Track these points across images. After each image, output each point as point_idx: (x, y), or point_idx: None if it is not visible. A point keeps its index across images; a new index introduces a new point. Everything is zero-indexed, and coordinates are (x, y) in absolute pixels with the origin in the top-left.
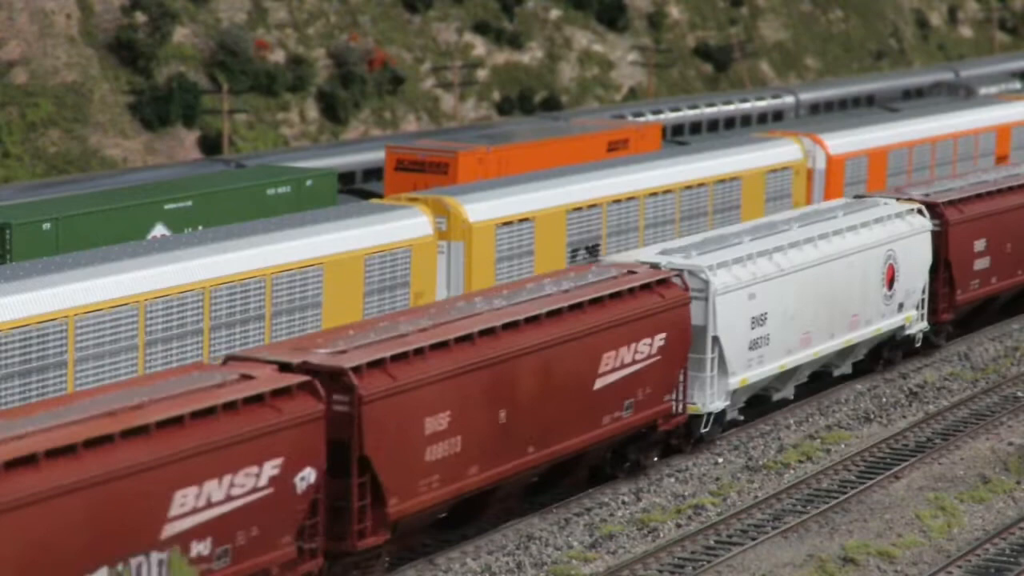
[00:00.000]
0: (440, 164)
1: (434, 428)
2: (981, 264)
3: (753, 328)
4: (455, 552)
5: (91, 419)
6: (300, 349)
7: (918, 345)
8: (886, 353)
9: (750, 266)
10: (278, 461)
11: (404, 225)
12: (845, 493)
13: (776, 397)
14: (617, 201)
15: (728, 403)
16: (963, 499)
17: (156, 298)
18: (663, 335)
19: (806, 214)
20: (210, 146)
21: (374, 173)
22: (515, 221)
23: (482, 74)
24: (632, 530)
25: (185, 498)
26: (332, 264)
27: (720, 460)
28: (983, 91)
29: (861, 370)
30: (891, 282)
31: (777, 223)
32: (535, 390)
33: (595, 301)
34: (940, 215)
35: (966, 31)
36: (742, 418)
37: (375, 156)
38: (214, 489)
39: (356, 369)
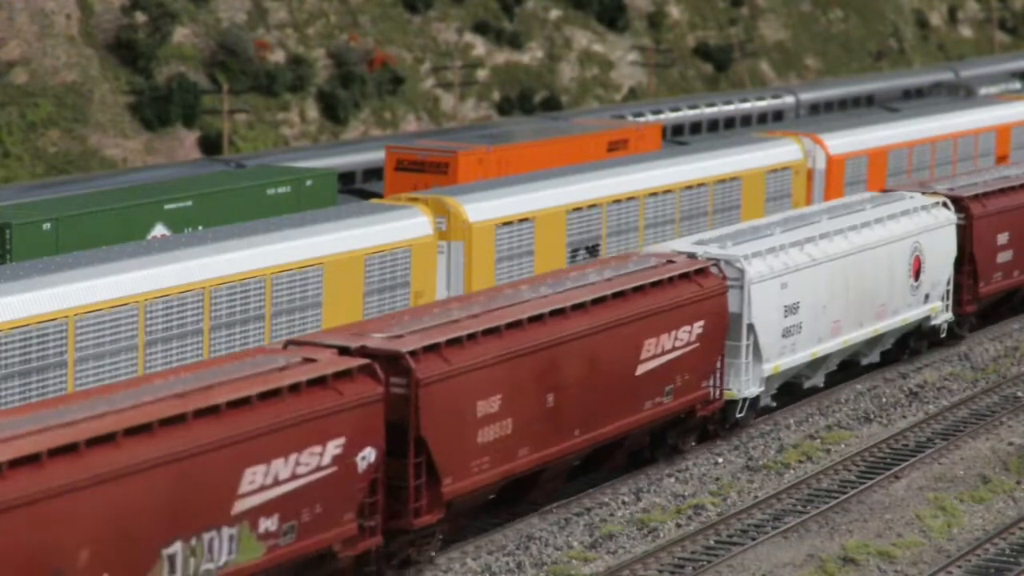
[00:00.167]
0: (440, 164)
1: (486, 411)
2: (1004, 257)
3: (786, 316)
4: (455, 552)
5: (164, 400)
6: (358, 334)
7: (943, 336)
8: (912, 343)
9: (783, 256)
10: (340, 441)
11: (404, 225)
12: (845, 493)
13: (807, 385)
14: (617, 201)
15: (762, 389)
16: (963, 499)
17: (156, 298)
18: (701, 323)
19: (834, 207)
20: (210, 146)
21: (374, 173)
22: (515, 221)
23: (482, 74)
24: (632, 530)
25: (254, 476)
26: (332, 264)
27: (720, 460)
28: (983, 91)
29: (888, 360)
30: (918, 273)
31: (807, 215)
32: (581, 375)
33: (637, 289)
34: (964, 209)
35: (966, 31)
36: (774, 404)
37: (375, 156)
38: (281, 467)
39: (413, 353)
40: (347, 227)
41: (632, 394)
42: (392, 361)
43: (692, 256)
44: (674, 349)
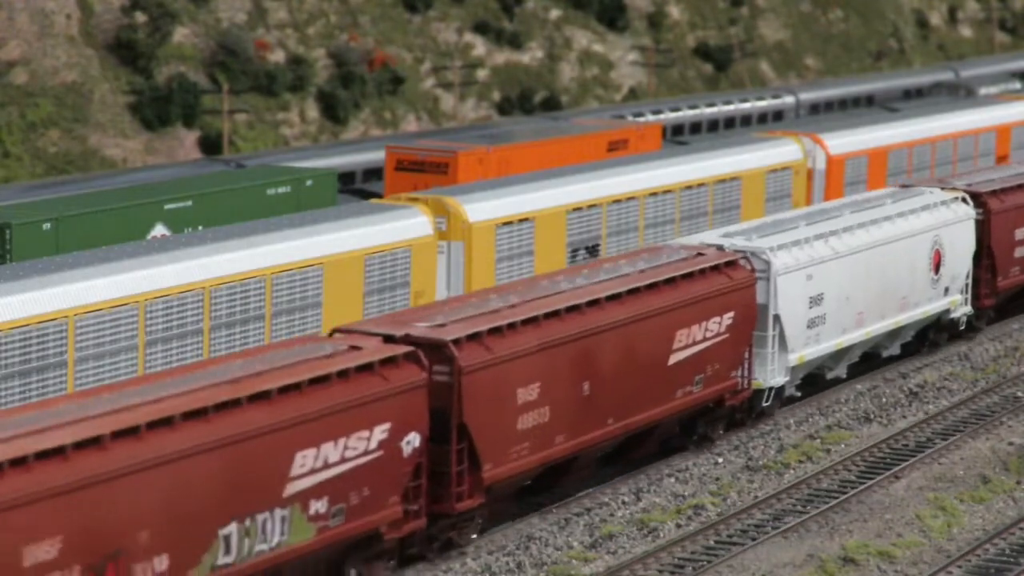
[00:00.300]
0: (440, 164)
1: (525, 398)
2: (1022, 252)
3: (811, 308)
4: (455, 552)
5: (219, 385)
6: (401, 323)
7: (962, 328)
8: (932, 335)
9: (807, 249)
10: (386, 426)
11: (404, 225)
12: (845, 493)
13: (830, 375)
14: (617, 201)
15: (788, 379)
16: (963, 499)
17: (156, 298)
18: (731, 314)
19: (856, 201)
20: (210, 146)
21: (374, 173)
22: (515, 221)
23: (482, 74)
24: (632, 530)
25: (305, 459)
26: (332, 264)
27: (720, 460)
28: (983, 91)
29: (908, 352)
30: (938, 267)
31: (829, 209)
32: (615, 364)
33: (669, 281)
34: (983, 204)
35: (966, 31)
36: (799, 394)
37: (375, 156)
38: (330, 451)
39: (456, 341)
40: (347, 227)
41: (664, 383)
42: (435, 349)
43: (720, 249)
44: (705, 339)
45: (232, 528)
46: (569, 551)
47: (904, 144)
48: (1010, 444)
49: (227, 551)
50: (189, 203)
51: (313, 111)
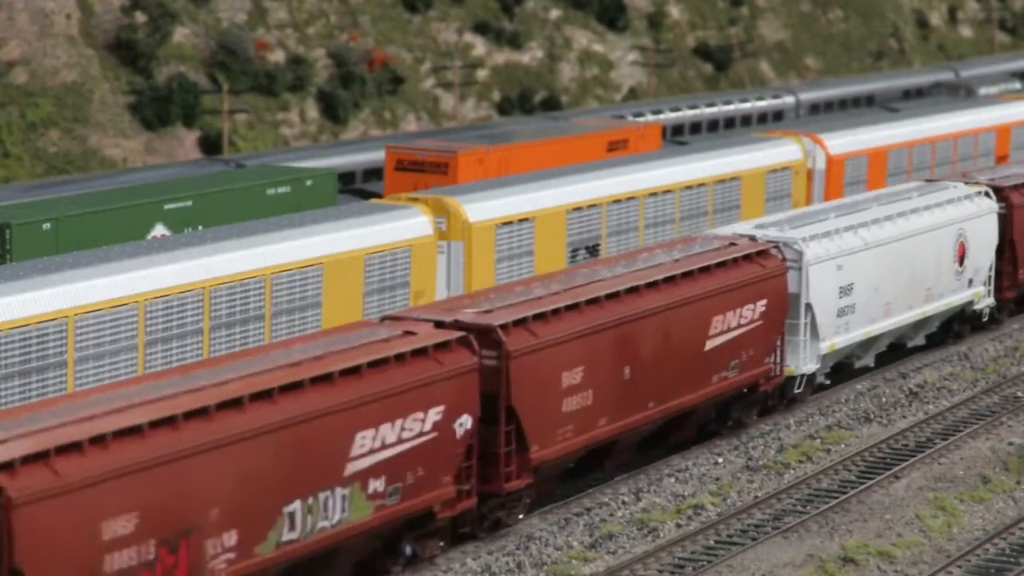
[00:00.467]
0: (440, 164)
1: (570, 382)
2: None
3: (841, 297)
4: (455, 552)
5: (283, 368)
6: (450, 309)
7: (985, 320)
8: (956, 327)
9: (837, 240)
10: (440, 408)
11: (404, 225)
12: (845, 493)
13: (858, 364)
14: (617, 201)
15: (818, 366)
16: (963, 499)
17: (156, 298)
18: (764, 301)
19: (882, 195)
20: (210, 146)
21: (374, 173)
22: (515, 221)
23: (482, 74)
24: (632, 530)
25: (364, 440)
26: (332, 264)
27: (720, 460)
28: (983, 91)
29: (933, 343)
30: (962, 259)
31: (858, 202)
32: (654, 350)
33: (704, 269)
34: (1005, 198)
35: (966, 31)
36: (828, 382)
37: (375, 156)
38: (388, 432)
39: (504, 327)
40: (347, 227)
41: (701, 368)
42: (484, 334)
43: (752, 239)
44: (739, 326)
45: (296, 506)
46: (569, 551)
47: (904, 144)
48: (1010, 444)
49: (291, 527)
50: (189, 203)
51: (313, 111)
